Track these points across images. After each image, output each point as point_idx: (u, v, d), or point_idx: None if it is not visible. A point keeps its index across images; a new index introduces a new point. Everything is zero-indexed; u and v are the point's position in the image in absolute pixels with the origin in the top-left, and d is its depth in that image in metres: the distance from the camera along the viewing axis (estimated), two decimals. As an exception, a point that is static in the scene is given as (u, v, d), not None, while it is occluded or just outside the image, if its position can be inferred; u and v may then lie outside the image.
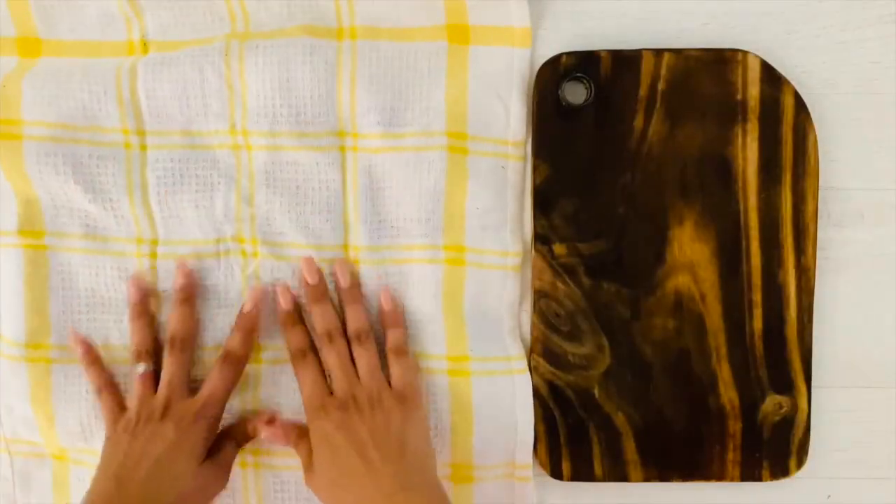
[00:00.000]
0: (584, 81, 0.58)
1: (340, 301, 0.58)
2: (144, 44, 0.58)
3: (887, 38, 0.59)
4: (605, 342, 0.59)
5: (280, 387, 0.59)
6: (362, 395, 0.55)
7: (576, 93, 0.58)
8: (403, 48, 0.57)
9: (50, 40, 0.58)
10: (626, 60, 0.58)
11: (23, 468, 0.60)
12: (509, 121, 0.58)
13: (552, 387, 0.59)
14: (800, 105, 0.58)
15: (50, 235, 0.58)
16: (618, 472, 0.60)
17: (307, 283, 0.58)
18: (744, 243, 0.59)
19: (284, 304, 0.58)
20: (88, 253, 0.58)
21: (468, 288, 0.58)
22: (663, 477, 0.60)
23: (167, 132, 0.58)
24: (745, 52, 0.58)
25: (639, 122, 0.58)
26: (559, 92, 0.58)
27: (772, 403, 0.59)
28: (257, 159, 0.58)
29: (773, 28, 0.59)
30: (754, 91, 0.58)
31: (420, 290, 0.58)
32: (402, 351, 0.57)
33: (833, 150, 0.59)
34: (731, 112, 0.58)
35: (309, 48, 0.56)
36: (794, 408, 0.59)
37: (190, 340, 0.57)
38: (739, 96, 0.58)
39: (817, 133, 0.58)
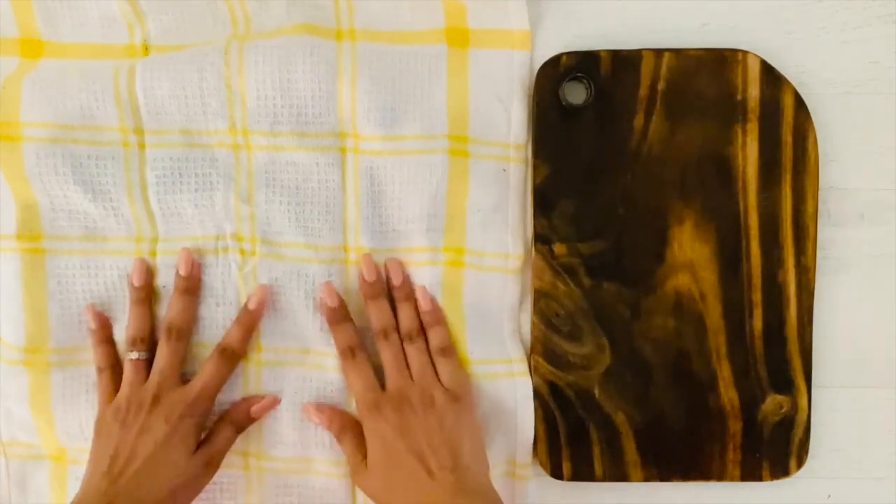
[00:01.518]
0: (584, 81, 0.58)
1: (392, 300, 0.58)
2: (146, 48, 0.58)
3: (887, 38, 0.59)
4: (605, 342, 0.59)
5: (280, 390, 0.59)
6: (416, 395, 0.55)
7: (576, 93, 0.58)
8: (404, 51, 0.57)
9: (52, 42, 0.58)
10: (626, 60, 0.58)
11: (19, 470, 0.60)
12: (510, 124, 0.58)
13: (552, 387, 0.59)
14: (800, 105, 0.58)
15: (48, 239, 0.58)
16: (618, 472, 0.60)
17: (364, 280, 0.58)
18: (744, 243, 0.59)
19: (331, 301, 0.57)
20: (87, 254, 0.58)
21: (467, 290, 0.58)
22: (663, 477, 0.60)
23: (166, 131, 0.58)
24: (745, 52, 0.58)
25: (639, 122, 0.58)
26: (559, 92, 0.58)
27: (772, 403, 0.59)
28: (257, 159, 0.58)
29: (773, 28, 0.59)
30: (754, 91, 0.58)
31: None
32: (450, 350, 0.57)
33: (833, 150, 0.59)
34: (731, 112, 0.58)
35: (309, 48, 0.56)
36: (794, 408, 0.59)
37: (187, 331, 0.57)
38: (739, 96, 0.58)
39: (817, 133, 0.58)
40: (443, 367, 0.57)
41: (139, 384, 0.56)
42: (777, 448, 0.60)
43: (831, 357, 0.60)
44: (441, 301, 0.58)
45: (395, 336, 0.57)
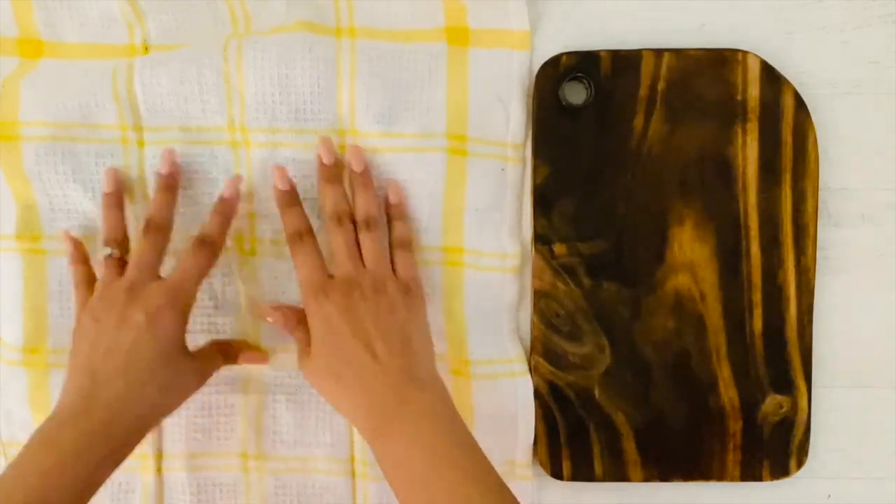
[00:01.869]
0: (584, 81, 0.58)
1: (351, 186, 0.57)
2: (146, 48, 0.58)
3: (887, 38, 0.59)
4: (605, 342, 0.59)
5: (280, 389, 0.59)
6: (366, 281, 0.53)
7: (576, 93, 0.58)
8: (403, 49, 0.57)
9: (52, 42, 0.58)
10: (626, 60, 0.58)
11: None
12: (509, 123, 0.58)
13: (552, 387, 0.59)
14: (800, 105, 0.58)
15: (48, 239, 0.58)
16: (618, 472, 0.60)
17: (322, 163, 0.56)
18: (744, 243, 0.59)
19: (282, 184, 0.56)
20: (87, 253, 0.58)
21: (468, 290, 0.59)
22: (663, 477, 0.60)
23: (165, 128, 0.58)
24: (745, 52, 0.58)
25: (639, 122, 0.58)
26: (559, 92, 0.58)
27: (772, 403, 0.59)
28: (256, 156, 0.58)
29: (773, 28, 0.59)
30: (754, 91, 0.58)
31: (420, 291, 0.59)
32: (408, 243, 0.56)
33: (833, 150, 0.59)
34: (731, 112, 0.58)
35: (308, 45, 0.56)
36: (794, 408, 0.59)
37: (165, 226, 0.55)
38: (739, 96, 0.58)
39: (817, 133, 0.58)
40: (400, 259, 0.55)
41: (114, 280, 0.53)
42: (777, 448, 0.60)
43: (831, 357, 0.60)
44: (441, 302, 0.58)
45: (349, 223, 0.55)
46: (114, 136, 0.57)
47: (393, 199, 0.57)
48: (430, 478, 0.48)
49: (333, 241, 0.55)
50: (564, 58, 0.58)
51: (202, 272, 0.54)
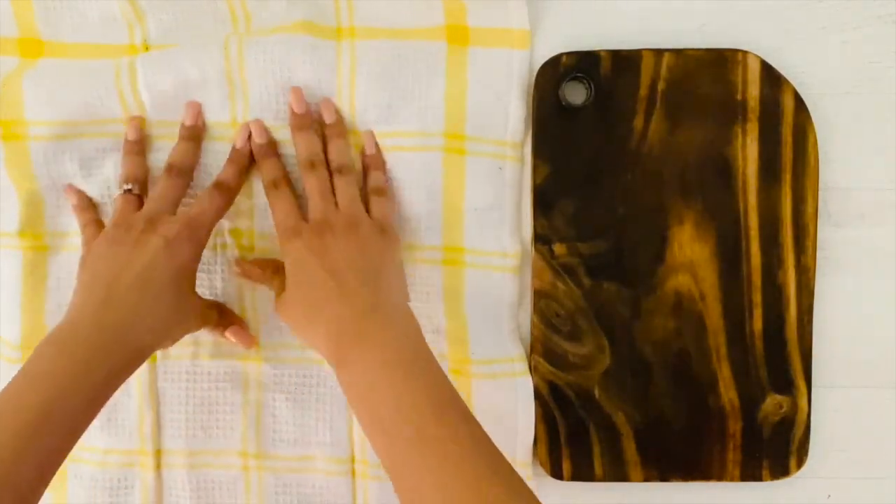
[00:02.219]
0: (584, 81, 0.58)
1: (324, 137, 0.57)
2: (147, 47, 0.58)
3: (887, 38, 0.59)
4: (605, 342, 0.59)
5: (281, 387, 0.59)
6: (339, 221, 0.53)
7: (576, 93, 0.58)
8: (403, 48, 0.57)
9: (52, 42, 0.58)
10: (626, 60, 0.58)
11: None
12: (508, 122, 0.58)
13: (552, 387, 0.59)
14: (800, 105, 0.58)
15: (50, 236, 0.58)
16: (618, 472, 0.60)
17: (293, 112, 0.56)
18: (744, 243, 0.59)
19: (258, 137, 0.56)
20: (88, 250, 0.58)
21: (468, 289, 0.59)
22: (663, 477, 0.60)
23: (170, 122, 0.58)
24: (745, 52, 0.58)
25: (639, 122, 0.58)
26: (559, 92, 0.58)
27: (772, 403, 0.59)
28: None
29: (773, 28, 0.59)
30: (754, 91, 0.58)
31: (421, 291, 0.59)
32: (383, 191, 0.57)
33: (833, 150, 0.59)
34: (731, 112, 0.58)
35: (309, 47, 0.56)
36: (794, 408, 0.59)
37: (187, 171, 0.56)
38: (739, 96, 0.58)
39: (817, 133, 0.58)
40: (376, 204, 0.56)
41: (131, 212, 0.54)
42: (777, 448, 0.60)
43: (831, 357, 0.60)
44: (442, 302, 0.58)
45: (322, 169, 0.55)
46: (120, 130, 0.57)
47: (368, 150, 0.57)
48: (387, 402, 0.47)
49: (307, 185, 0.55)
50: (564, 58, 0.58)
51: (219, 213, 0.55)
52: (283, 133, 0.57)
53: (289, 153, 0.58)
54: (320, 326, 0.51)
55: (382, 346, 0.49)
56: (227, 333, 0.58)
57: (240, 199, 0.58)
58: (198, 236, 0.54)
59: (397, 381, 0.47)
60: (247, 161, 0.57)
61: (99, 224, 0.57)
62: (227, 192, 0.56)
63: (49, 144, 0.57)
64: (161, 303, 0.52)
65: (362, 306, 0.50)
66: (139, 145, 0.57)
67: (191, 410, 0.59)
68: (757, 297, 0.59)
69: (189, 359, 0.59)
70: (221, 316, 0.58)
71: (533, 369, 0.59)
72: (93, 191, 0.58)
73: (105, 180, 0.58)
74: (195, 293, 0.55)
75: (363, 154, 0.58)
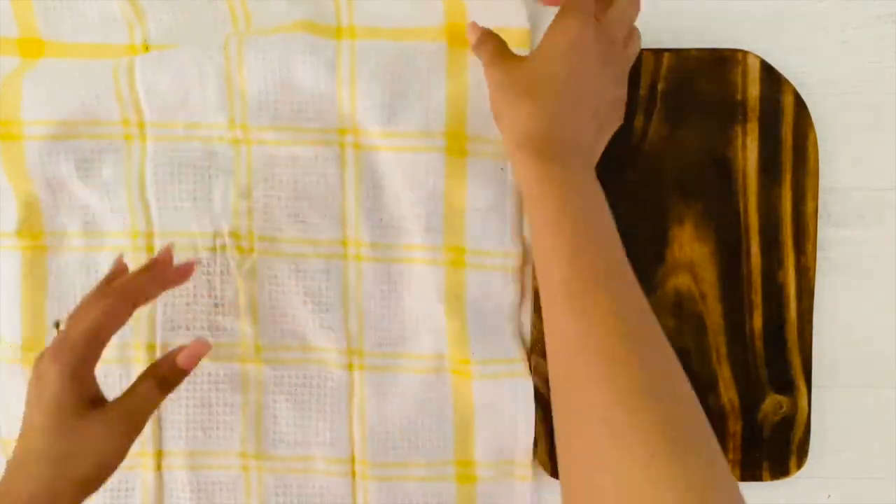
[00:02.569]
0: (584, 81, 0.58)
1: None
2: (147, 47, 0.58)
3: (887, 38, 0.59)
4: (606, 342, 0.59)
5: (281, 388, 0.59)
6: (620, 51, 0.52)
7: (576, 93, 0.58)
8: (403, 47, 0.57)
9: (52, 42, 0.58)
10: (626, 60, 0.58)
11: None
12: (508, 122, 0.58)
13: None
14: (800, 105, 0.58)
15: (49, 236, 0.58)
16: (618, 472, 0.60)
17: None
18: (744, 243, 0.59)
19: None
20: (86, 251, 0.58)
21: (469, 290, 0.58)
22: (663, 477, 0.60)
23: (167, 124, 0.58)
24: (745, 52, 0.58)
25: (639, 122, 0.58)
26: (559, 92, 0.58)
27: (772, 403, 0.59)
28: (256, 154, 0.58)
29: (773, 28, 0.59)
30: (754, 91, 0.58)
31: (421, 291, 0.59)
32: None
33: (833, 150, 0.59)
34: (731, 112, 0.58)
35: (309, 46, 0.56)
36: (794, 408, 0.59)
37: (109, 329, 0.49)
38: (739, 96, 0.58)
39: (817, 133, 0.58)
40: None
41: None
42: (777, 448, 0.60)
43: (831, 357, 0.60)
44: (443, 302, 0.58)
45: None
46: (117, 131, 0.57)
47: None
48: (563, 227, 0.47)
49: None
50: (564, 58, 0.58)
51: (97, 325, 0.47)
52: (282, 133, 0.57)
53: (291, 154, 0.57)
54: (546, 118, 0.49)
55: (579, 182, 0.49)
56: (182, 365, 0.51)
57: (237, 201, 0.58)
58: (68, 356, 0.47)
59: (582, 212, 0.48)
60: (156, 281, 0.51)
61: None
62: (113, 299, 0.48)
63: (44, 144, 0.57)
64: (42, 460, 0.46)
65: (588, 149, 0.51)
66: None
67: (191, 411, 0.59)
68: (757, 297, 0.59)
69: (189, 359, 0.59)
70: (162, 381, 0.50)
71: (533, 369, 0.59)
72: (89, 193, 0.57)
73: (103, 183, 0.58)
74: (86, 417, 0.47)
75: None
